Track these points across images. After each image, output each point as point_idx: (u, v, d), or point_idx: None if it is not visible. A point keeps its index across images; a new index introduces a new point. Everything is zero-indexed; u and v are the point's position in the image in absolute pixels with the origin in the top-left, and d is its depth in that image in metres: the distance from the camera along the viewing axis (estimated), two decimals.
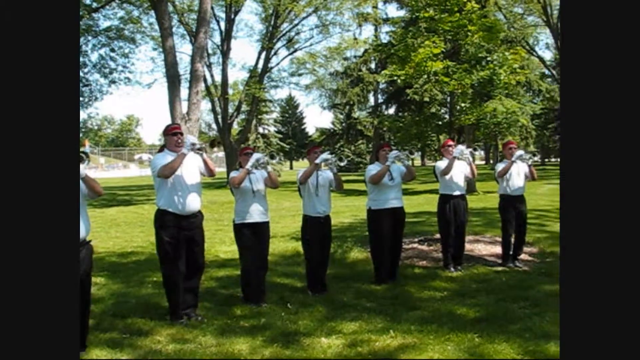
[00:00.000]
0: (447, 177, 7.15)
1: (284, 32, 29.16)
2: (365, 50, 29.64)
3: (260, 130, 49.63)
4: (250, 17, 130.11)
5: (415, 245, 8.85)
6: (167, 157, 5.12)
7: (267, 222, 5.95)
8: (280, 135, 55.02)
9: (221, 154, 40.12)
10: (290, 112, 67.12)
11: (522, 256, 7.84)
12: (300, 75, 32.67)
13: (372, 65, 32.79)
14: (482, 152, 46.95)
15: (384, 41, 22.35)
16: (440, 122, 10.32)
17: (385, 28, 31.08)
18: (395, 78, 9.19)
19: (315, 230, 6.24)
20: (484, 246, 8.74)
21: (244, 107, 31.18)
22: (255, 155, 5.73)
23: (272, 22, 28.12)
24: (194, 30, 20.38)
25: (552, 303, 5.61)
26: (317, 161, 6.09)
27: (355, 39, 31.98)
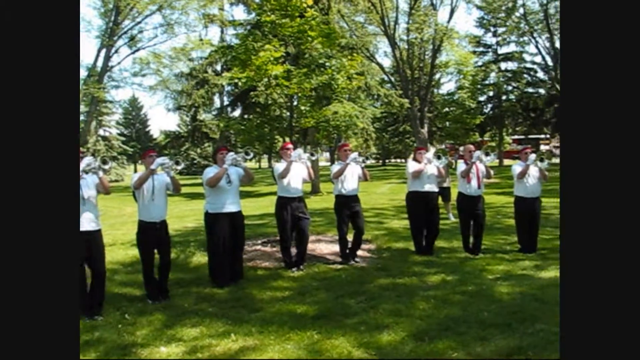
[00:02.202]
0: (286, 180, 7.28)
1: (125, 29, 27.95)
2: (211, 52, 29.33)
3: (101, 132, 47.16)
4: (87, 11, 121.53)
5: (258, 247, 8.92)
6: None
7: (99, 231, 5.61)
8: (123, 138, 52.70)
9: None
10: (134, 114, 64.30)
11: (361, 252, 8.22)
12: (143, 75, 31.59)
13: (218, 67, 32.50)
14: (328, 154, 48.57)
15: (231, 43, 22.22)
16: (284, 125, 10.51)
17: (232, 30, 30.97)
18: (236, 81, 9.20)
19: (152, 236, 6.02)
20: (325, 245, 9.03)
21: (83, 108, 29.38)
22: (86, 160, 5.40)
23: (113, 18, 26.84)
24: None
25: (386, 296, 5.96)
26: (153, 166, 5.89)
27: (201, 39, 31.52)
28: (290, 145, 7.57)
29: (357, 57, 10.09)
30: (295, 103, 10.13)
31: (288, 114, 10.29)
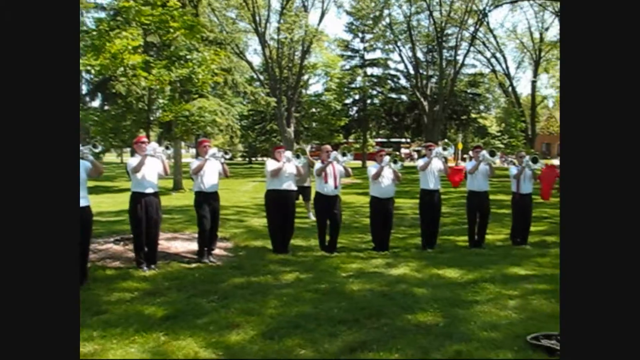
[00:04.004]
0: (140, 174, 6.97)
1: None
2: None
3: None
4: None
5: (110, 245, 8.46)
6: None
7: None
8: None
9: None
10: None
11: (217, 251, 8.09)
12: None
13: None
14: (194, 150, 47.59)
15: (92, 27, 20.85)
16: (142, 118, 10.00)
17: (96, 14, 29.17)
18: (89, 68, 8.61)
19: None
20: (181, 243, 8.78)
21: None
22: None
23: None
24: None
25: (239, 295, 5.89)
26: None
27: None
28: (144, 139, 7.26)
29: (221, 52, 9.89)
30: (154, 96, 9.73)
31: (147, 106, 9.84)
